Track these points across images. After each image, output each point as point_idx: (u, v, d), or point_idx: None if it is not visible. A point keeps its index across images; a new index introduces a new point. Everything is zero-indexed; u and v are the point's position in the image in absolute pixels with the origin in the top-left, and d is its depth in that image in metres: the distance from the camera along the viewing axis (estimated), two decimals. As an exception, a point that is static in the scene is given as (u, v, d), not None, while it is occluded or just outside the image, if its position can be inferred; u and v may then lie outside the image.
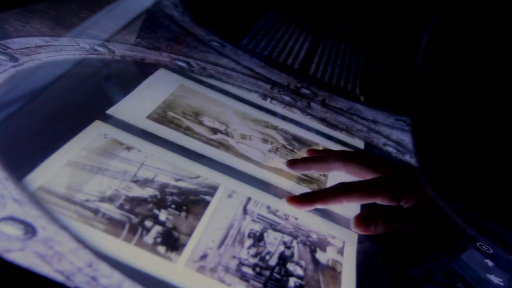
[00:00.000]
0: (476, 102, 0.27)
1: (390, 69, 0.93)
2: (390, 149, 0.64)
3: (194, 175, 0.44)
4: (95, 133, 0.44)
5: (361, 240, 0.45)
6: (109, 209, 0.37)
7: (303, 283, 0.38)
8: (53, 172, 0.38)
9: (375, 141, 0.65)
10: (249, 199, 0.44)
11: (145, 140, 0.46)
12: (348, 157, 0.48)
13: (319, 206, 0.45)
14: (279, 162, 0.51)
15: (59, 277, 0.30)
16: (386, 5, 0.96)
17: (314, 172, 0.51)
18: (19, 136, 0.41)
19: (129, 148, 0.43)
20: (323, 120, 0.64)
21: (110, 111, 0.48)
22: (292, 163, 0.49)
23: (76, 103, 0.48)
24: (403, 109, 0.75)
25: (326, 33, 0.95)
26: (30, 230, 0.33)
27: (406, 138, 0.67)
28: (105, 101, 0.49)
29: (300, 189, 0.49)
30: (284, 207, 0.45)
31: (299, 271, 0.39)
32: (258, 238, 0.40)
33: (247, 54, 0.73)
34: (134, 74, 0.58)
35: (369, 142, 0.64)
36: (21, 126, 0.43)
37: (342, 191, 0.44)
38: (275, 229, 0.42)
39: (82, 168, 0.39)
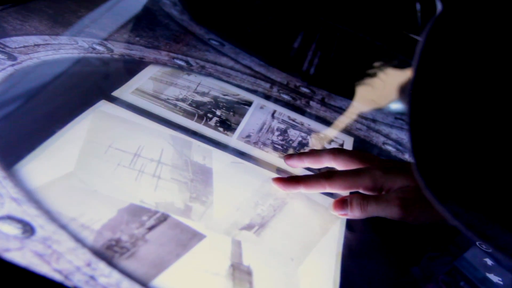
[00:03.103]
0: (475, 105, 0.27)
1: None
2: (389, 148, 0.64)
3: (236, 93, 0.62)
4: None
5: (359, 239, 0.46)
6: (183, 104, 0.55)
7: None
8: (143, 81, 0.56)
9: (375, 140, 0.65)
10: (275, 110, 0.62)
11: (198, 73, 0.63)
12: (338, 151, 0.49)
13: (303, 190, 0.46)
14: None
15: (57, 276, 0.30)
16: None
17: (307, 166, 0.51)
18: (17, 135, 0.41)
19: (188, 73, 0.61)
20: (322, 119, 0.64)
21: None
22: (288, 157, 0.50)
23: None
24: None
25: (321, 29, 0.95)
26: (28, 229, 0.33)
27: (405, 137, 0.67)
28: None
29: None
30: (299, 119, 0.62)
31: None
32: (283, 132, 0.58)
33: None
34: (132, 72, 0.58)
35: (368, 141, 0.64)
36: (19, 125, 0.43)
37: (326, 178, 0.45)
38: (294, 128, 0.60)
39: (160, 81, 0.57)
